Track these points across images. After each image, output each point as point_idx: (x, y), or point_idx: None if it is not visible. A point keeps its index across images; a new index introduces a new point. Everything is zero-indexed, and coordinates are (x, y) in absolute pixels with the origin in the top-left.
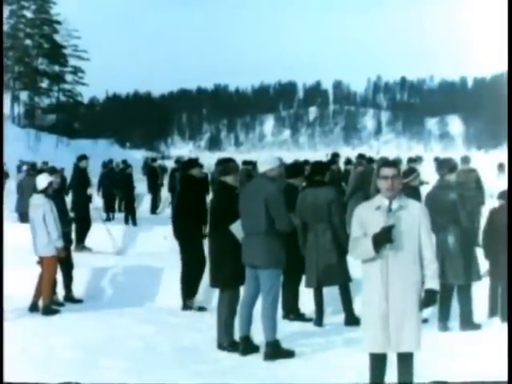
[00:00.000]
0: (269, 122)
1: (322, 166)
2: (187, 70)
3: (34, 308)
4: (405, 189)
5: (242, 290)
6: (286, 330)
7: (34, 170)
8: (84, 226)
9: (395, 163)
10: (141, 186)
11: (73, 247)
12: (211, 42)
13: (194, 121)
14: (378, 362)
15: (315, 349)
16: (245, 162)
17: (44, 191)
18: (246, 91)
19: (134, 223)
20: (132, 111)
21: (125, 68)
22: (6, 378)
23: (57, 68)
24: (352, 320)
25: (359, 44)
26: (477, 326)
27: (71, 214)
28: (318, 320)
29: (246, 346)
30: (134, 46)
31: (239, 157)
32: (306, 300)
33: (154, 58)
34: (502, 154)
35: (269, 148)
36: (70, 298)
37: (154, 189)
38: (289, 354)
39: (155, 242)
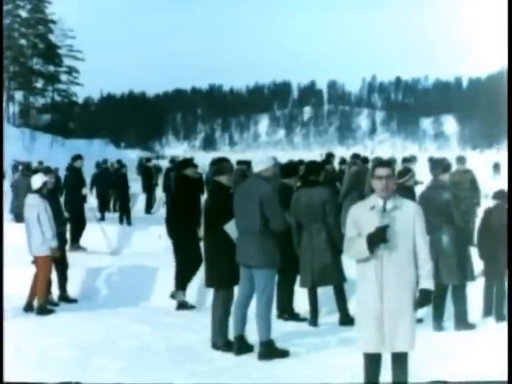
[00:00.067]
0: (263, 122)
1: (316, 166)
2: (182, 70)
3: (28, 308)
4: (399, 189)
5: (237, 289)
6: (281, 329)
7: (28, 169)
8: (79, 226)
9: (390, 163)
10: (135, 185)
11: (67, 247)
12: (206, 42)
13: (189, 121)
14: (372, 362)
15: (310, 348)
16: (239, 162)
17: (39, 191)
18: (241, 91)
19: (129, 223)
20: (127, 111)
21: (119, 68)
22: (5, 378)
23: (52, 68)
24: (346, 320)
25: (354, 44)
26: (471, 326)
27: (66, 214)
28: (313, 320)
29: (241, 346)
30: (129, 46)
31: (234, 156)
32: (300, 300)
33: (149, 58)
34: (497, 153)
35: (263, 148)
36: (64, 297)
37: (149, 189)
38: (283, 353)
39: (150, 242)
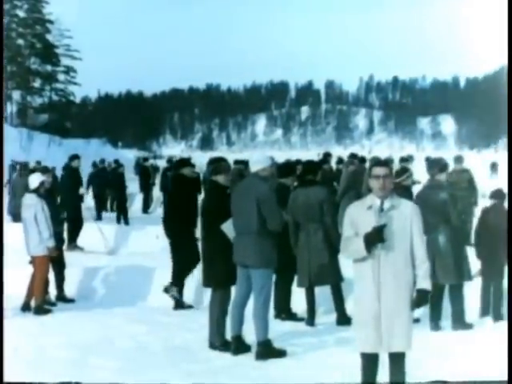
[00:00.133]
0: (261, 122)
1: (313, 166)
2: (179, 70)
3: (26, 308)
4: (397, 188)
5: (234, 289)
6: (278, 329)
7: (25, 169)
8: (76, 226)
9: (387, 163)
10: (133, 185)
11: (65, 247)
12: (203, 41)
13: (186, 120)
14: (369, 362)
15: (307, 348)
16: (236, 162)
17: (36, 191)
18: (238, 91)
19: (126, 223)
20: (124, 111)
21: (117, 68)
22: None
23: (49, 67)
24: (344, 320)
25: (351, 44)
26: (469, 326)
27: (63, 214)
28: (310, 320)
29: (238, 346)
30: (126, 46)
31: (231, 156)
32: (297, 299)
33: (146, 57)
34: (494, 153)
35: (261, 147)
36: (62, 297)
37: (146, 188)
38: (280, 353)
39: (147, 242)
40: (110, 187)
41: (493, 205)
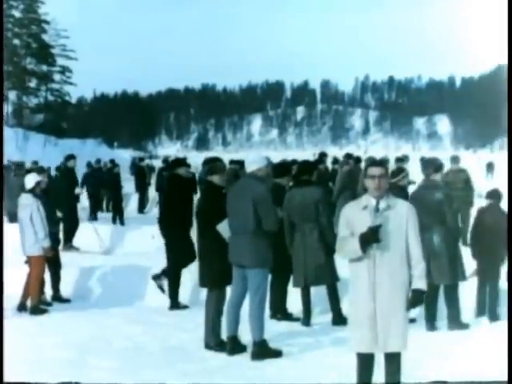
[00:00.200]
0: (256, 122)
1: (309, 166)
2: (175, 70)
3: (22, 308)
4: (392, 188)
5: (230, 289)
6: (274, 329)
7: (21, 169)
8: (72, 226)
9: (382, 163)
10: (128, 185)
11: (60, 247)
12: (199, 41)
13: (182, 120)
14: (365, 362)
15: (303, 348)
16: (232, 162)
17: (32, 191)
18: (234, 91)
19: (122, 223)
20: (120, 111)
21: (113, 68)
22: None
23: (45, 68)
24: (339, 320)
25: (347, 44)
26: (465, 326)
27: (59, 214)
28: (306, 320)
29: (234, 346)
30: (122, 46)
31: (227, 156)
32: (293, 300)
33: (142, 58)
34: (490, 153)
35: (256, 147)
36: (57, 297)
37: (142, 188)
38: (276, 353)
39: (143, 242)
40: (105, 187)
41: (489, 205)
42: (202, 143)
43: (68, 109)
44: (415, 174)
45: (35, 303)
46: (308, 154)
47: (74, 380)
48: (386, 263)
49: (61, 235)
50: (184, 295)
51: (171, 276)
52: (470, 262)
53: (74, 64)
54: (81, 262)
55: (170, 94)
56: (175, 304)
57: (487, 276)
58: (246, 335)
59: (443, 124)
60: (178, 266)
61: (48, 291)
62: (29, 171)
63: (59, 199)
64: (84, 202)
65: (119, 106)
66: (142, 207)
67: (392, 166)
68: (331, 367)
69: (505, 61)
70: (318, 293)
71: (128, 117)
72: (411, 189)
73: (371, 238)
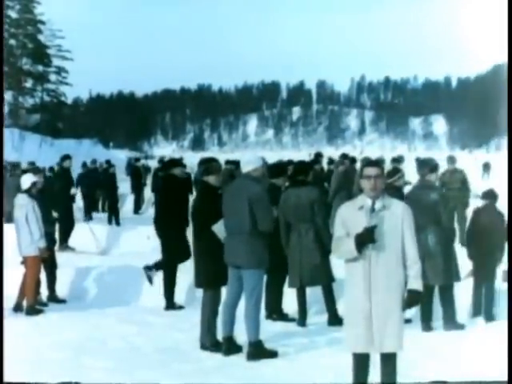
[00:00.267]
0: (252, 122)
1: (304, 166)
2: (171, 71)
3: (17, 308)
4: (388, 189)
5: (225, 290)
6: (270, 330)
7: (17, 169)
8: (67, 226)
9: (378, 163)
10: (124, 185)
11: (56, 247)
12: (195, 42)
13: (178, 121)
14: (361, 362)
15: (298, 349)
16: (228, 162)
17: (28, 191)
18: (230, 91)
19: (118, 223)
20: (115, 111)
21: (108, 68)
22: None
23: (41, 68)
24: (335, 320)
25: (342, 44)
26: (460, 326)
27: (55, 214)
28: (302, 320)
29: (229, 346)
30: (118, 47)
31: (222, 157)
32: (289, 300)
33: (138, 58)
34: (486, 153)
35: (252, 148)
36: (53, 298)
37: (138, 189)
38: (272, 354)
39: (138, 242)
40: (101, 188)
41: (485, 205)
42: (197, 143)
43: (64, 109)
44: (411, 175)
45: (31, 303)
46: (304, 154)
47: (70, 380)
48: (381, 264)
49: (56, 235)
50: (179, 296)
51: (167, 276)
52: (466, 263)
53: (69, 64)
54: (76, 263)
55: (166, 95)
56: (171, 304)
57: (483, 276)
58: (241, 336)
59: (439, 124)
60: (173, 266)
61: (44, 291)
62: (25, 171)
63: (55, 199)
64: (79, 203)
65: (115, 106)
66: (137, 208)
67: (388, 166)
68: (327, 367)
69: (502, 60)
70: (314, 293)
71: (124, 117)
72: (407, 189)
73: (367, 239)
